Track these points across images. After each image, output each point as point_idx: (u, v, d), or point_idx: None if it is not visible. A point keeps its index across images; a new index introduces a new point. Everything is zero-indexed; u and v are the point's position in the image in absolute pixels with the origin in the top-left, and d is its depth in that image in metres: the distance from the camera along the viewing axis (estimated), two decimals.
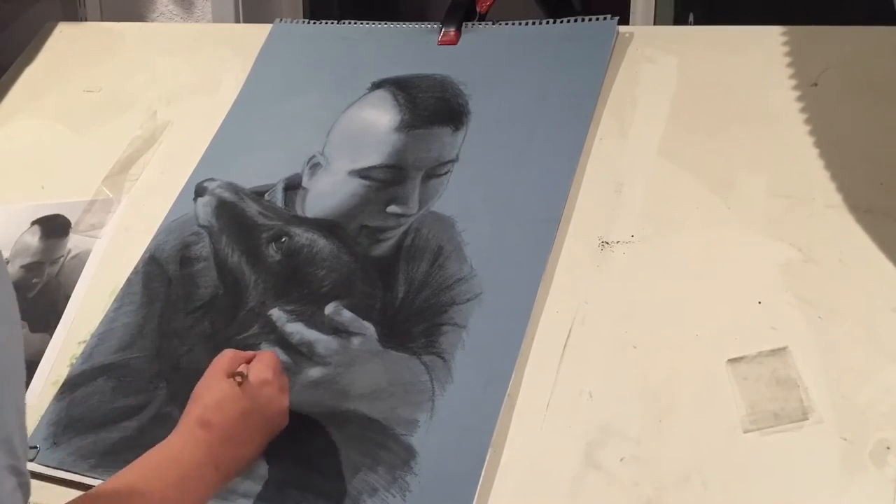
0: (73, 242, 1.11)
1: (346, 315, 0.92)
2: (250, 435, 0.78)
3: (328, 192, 1.02)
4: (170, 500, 0.70)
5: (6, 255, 1.12)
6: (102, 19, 1.55)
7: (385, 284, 0.93)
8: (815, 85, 0.94)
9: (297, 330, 0.93)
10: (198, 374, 0.81)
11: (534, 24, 1.09)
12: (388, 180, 1.01)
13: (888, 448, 0.72)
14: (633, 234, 0.90)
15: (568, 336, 0.85)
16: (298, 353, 0.91)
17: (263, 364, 0.82)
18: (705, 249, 0.86)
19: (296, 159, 1.07)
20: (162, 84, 1.25)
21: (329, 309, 0.93)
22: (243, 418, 0.78)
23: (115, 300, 1.01)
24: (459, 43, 1.11)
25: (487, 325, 0.87)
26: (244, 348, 0.88)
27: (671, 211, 0.90)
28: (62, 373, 0.98)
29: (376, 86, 1.10)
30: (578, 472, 0.77)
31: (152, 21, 1.58)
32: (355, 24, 1.18)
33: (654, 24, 1.39)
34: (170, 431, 0.88)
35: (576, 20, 1.06)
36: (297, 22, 1.28)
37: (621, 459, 0.77)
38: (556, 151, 0.97)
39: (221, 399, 0.78)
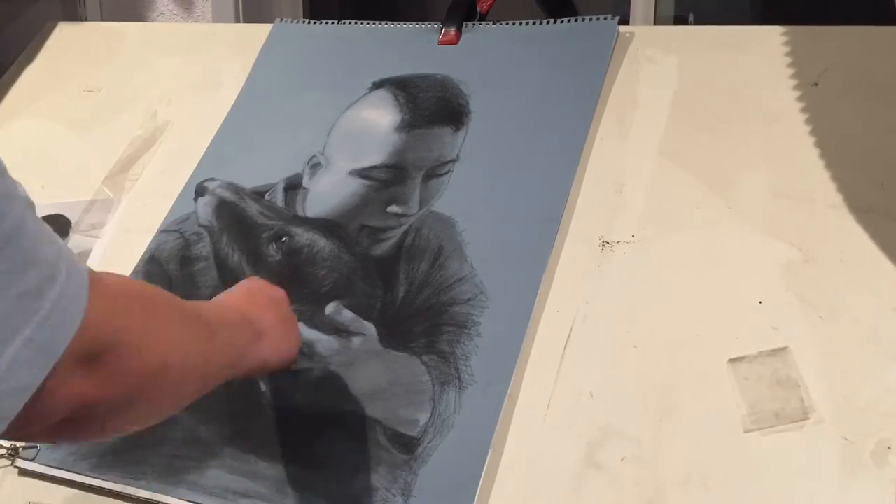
0: (74, 242, 1.11)
1: (347, 315, 0.92)
2: (263, 308, 0.79)
3: (329, 192, 1.02)
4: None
5: None
6: (102, 19, 1.54)
7: (385, 284, 0.93)
8: (816, 85, 0.94)
9: None
10: None
11: (534, 24, 1.09)
12: (388, 180, 1.01)
13: (889, 448, 0.72)
14: (633, 234, 0.90)
15: (569, 336, 0.85)
16: (299, 353, 0.91)
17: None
18: (706, 249, 0.86)
19: (296, 159, 1.06)
20: (162, 84, 1.25)
21: (329, 309, 0.93)
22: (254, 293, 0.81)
23: None
24: (460, 43, 1.10)
25: (488, 325, 0.87)
26: None
27: (672, 211, 0.90)
28: None
29: (377, 86, 1.10)
30: (579, 472, 0.77)
31: (152, 21, 1.58)
32: (355, 24, 1.18)
33: (654, 24, 1.39)
34: (169, 431, 0.88)
35: (576, 20, 1.06)
36: (297, 22, 1.28)
37: (622, 459, 0.77)
38: (557, 151, 0.97)
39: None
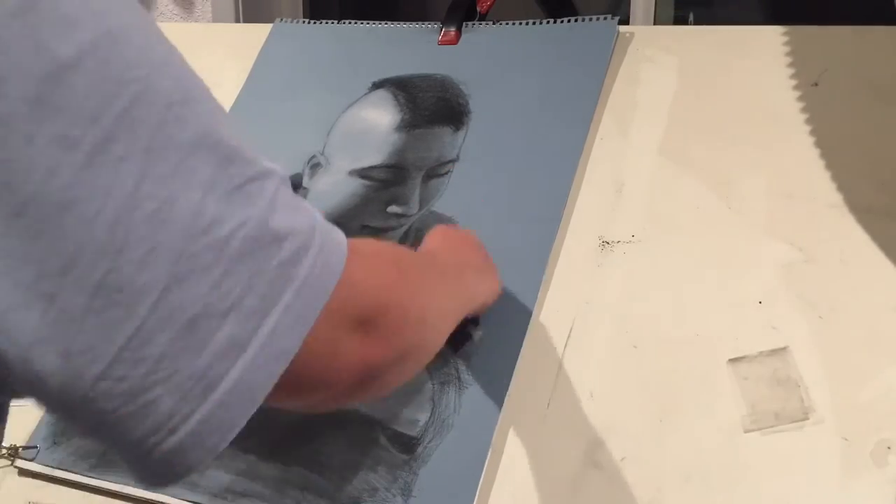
0: None
1: None
2: (470, 250, 0.82)
3: (329, 192, 1.02)
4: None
5: None
6: None
7: None
8: (816, 85, 0.94)
9: None
10: None
11: (534, 24, 1.09)
12: (388, 180, 1.01)
13: (889, 448, 0.72)
14: (633, 234, 0.90)
15: (568, 336, 0.85)
16: None
17: None
18: (706, 249, 0.87)
19: (296, 159, 1.06)
20: None
21: None
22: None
23: None
24: (460, 43, 1.10)
25: (488, 325, 0.87)
26: None
27: (672, 211, 0.90)
28: None
29: (376, 86, 1.10)
30: (579, 472, 0.77)
31: None
32: (355, 24, 1.18)
33: (654, 24, 1.40)
34: None
35: (576, 20, 1.06)
36: (297, 22, 1.28)
37: (622, 459, 0.77)
38: (557, 151, 0.97)
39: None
